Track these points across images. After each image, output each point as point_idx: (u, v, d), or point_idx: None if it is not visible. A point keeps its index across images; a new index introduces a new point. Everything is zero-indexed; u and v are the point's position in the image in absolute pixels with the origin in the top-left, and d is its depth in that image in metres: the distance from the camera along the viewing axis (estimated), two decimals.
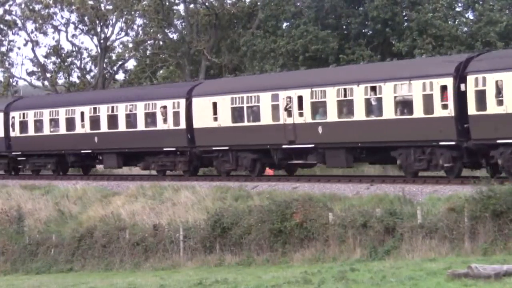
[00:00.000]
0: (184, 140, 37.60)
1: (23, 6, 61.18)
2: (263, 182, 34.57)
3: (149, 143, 38.92)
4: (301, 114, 33.18)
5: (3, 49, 63.51)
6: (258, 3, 55.05)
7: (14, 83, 65.22)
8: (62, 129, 43.43)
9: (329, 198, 29.11)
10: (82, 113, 42.23)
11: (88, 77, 63.34)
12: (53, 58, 63.07)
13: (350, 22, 48.63)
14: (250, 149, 35.50)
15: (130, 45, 61.71)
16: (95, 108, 41.82)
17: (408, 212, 24.94)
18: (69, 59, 63.12)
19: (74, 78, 63.69)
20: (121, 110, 40.54)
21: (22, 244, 33.69)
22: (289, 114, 33.56)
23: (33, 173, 45.85)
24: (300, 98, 33.18)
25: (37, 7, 60.87)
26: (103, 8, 60.27)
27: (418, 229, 23.64)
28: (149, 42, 61.87)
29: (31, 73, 63.87)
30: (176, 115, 37.91)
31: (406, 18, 47.35)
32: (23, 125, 45.54)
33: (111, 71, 63.61)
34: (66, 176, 44.61)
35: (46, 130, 44.31)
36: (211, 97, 36.63)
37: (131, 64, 65.07)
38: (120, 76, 65.62)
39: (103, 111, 41.36)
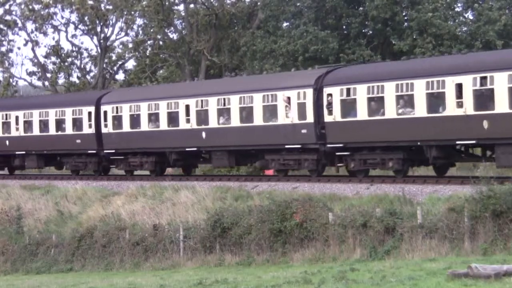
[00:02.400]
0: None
1: (23, 6, 61.19)
2: (263, 182, 34.59)
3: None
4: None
5: (3, 49, 63.55)
6: (258, 3, 55.06)
7: (14, 83, 65.24)
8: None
9: (329, 198, 29.14)
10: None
11: (88, 77, 63.34)
12: (53, 58, 63.09)
13: (350, 22, 48.64)
14: None
15: (130, 45, 61.72)
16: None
17: (408, 212, 24.95)
18: (69, 59, 63.13)
19: (74, 78, 63.77)
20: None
21: (22, 244, 33.69)
22: None
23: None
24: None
25: (37, 7, 60.86)
26: (103, 8, 60.27)
27: (418, 229, 23.65)
28: (149, 42, 61.86)
29: (31, 73, 63.90)
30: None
31: (406, 17, 47.36)
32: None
33: (111, 71, 63.64)
34: (66, 176, 44.63)
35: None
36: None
37: (131, 64, 65.13)
38: (120, 76, 65.70)
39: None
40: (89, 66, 63.80)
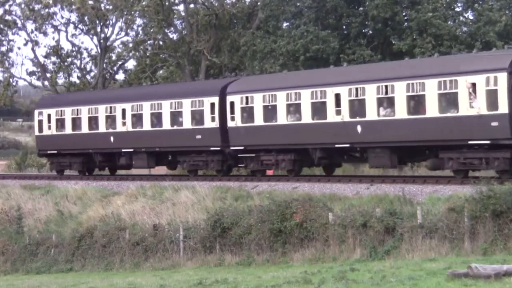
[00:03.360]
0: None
1: (23, 6, 61.19)
2: (263, 182, 34.60)
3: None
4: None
5: (3, 49, 63.54)
6: (258, 3, 55.07)
7: (14, 83, 65.23)
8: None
9: (329, 198, 29.15)
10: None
11: (88, 77, 63.34)
12: (53, 58, 63.08)
13: (350, 22, 48.66)
14: None
15: (130, 45, 61.72)
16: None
17: (408, 212, 24.95)
18: (69, 59, 63.13)
19: (74, 78, 63.78)
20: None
21: (22, 244, 33.69)
22: None
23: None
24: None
25: (37, 7, 60.86)
26: (103, 8, 60.28)
27: (418, 229, 23.65)
28: (149, 42, 61.88)
29: (31, 73, 63.89)
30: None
31: (406, 17, 47.37)
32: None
33: (111, 71, 63.64)
34: (66, 176, 44.62)
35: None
36: None
37: (131, 64, 65.16)
38: (120, 76, 65.70)
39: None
40: (89, 66, 63.85)
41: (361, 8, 48.96)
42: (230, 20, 58.02)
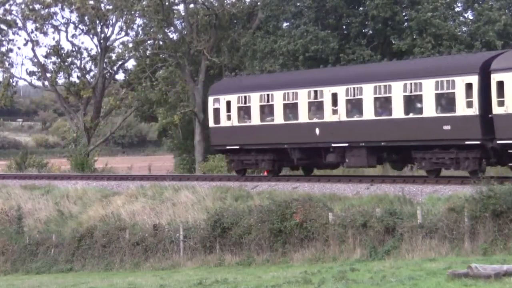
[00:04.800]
0: None
1: (23, 6, 61.18)
2: (263, 182, 34.61)
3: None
4: None
5: (3, 49, 63.52)
6: (258, 3, 55.06)
7: (14, 83, 65.21)
8: None
9: (329, 198, 29.17)
10: None
11: (88, 77, 63.33)
12: (53, 58, 63.04)
13: (350, 22, 48.65)
14: None
15: (130, 45, 61.70)
16: None
17: (408, 212, 24.97)
18: (69, 59, 63.09)
19: (74, 78, 63.74)
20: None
21: (22, 244, 33.71)
22: None
23: None
24: None
25: (37, 6, 60.86)
26: (103, 8, 60.28)
27: (418, 229, 23.67)
28: (149, 42, 61.85)
29: (31, 73, 63.85)
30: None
31: (406, 17, 47.37)
32: None
33: (111, 71, 63.60)
34: (66, 176, 44.59)
35: None
36: None
37: (131, 64, 65.14)
38: (120, 76, 65.71)
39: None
40: (89, 66, 63.81)
41: (361, 8, 48.96)
42: (230, 20, 57.98)
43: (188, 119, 58.48)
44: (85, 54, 63.17)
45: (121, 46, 62.71)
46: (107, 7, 60.35)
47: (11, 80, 63.74)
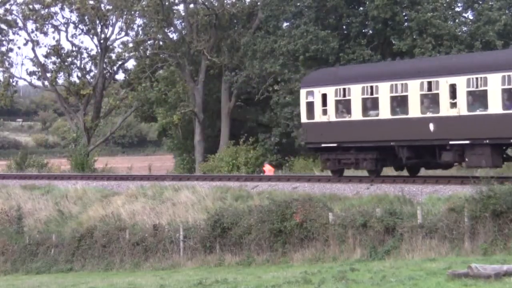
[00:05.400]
0: None
1: (23, 6, 61.20)
2: (263, 182, 34.60)
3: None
4: None
5: (3, 49, 63.57)
6: (258, 3, 55.07)
7: (14, 83, 65.26)
8: None
9: (329, 198, 29.16)
10: None
11: (88, 77, 63.36)
12: (53, 58, 63.09)
13: (350, 22, 48.66)
14: None
15: (130, 45, 61.74)
16: None
17: (408, 212, 24.95)
18: (69, 59, 63.14)
19: (74, 78, 63.79)
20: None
21: (22, 244, 33.68)
22: None
23: None
24: None
25: (37, 6, 60.89)
26: (103, 8, 60.31)
27: (418, 229, 23.66)
28: (149, 42, 61.89)
29: (31, 73, 63.90)
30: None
31: (406, 17, 47.38)
32: None
33: (111, 71, 63.65)
34: (66, 176, 44.59)
35: None
36: None
37: (131, 64, 65.18)
38: (120, 76, 65.74)
39: None
40: (89, 66, 63.85)
41: (361, 8, 48.98)
42: (230, 20, 58.02)
43: (188, 119, 58.50)
44: (85, 54, 63.32)
45: (121, 46, 62.85)
46: (107, 7, 60.40)
47: (11, 80, 63.81)
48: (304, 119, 34.43)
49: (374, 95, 31.82)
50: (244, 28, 56.58)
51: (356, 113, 32.32)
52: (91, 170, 52.87)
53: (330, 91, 33.20)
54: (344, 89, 32.81)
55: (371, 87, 31.92)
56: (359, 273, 20.14)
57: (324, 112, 33.31)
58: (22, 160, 61.91)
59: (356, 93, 32.34)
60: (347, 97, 32.72)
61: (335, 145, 33.09)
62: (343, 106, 33.02)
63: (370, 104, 32.14)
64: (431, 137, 30.19)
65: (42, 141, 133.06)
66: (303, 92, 34.73)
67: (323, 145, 33.59)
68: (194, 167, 56.57)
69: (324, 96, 33.35)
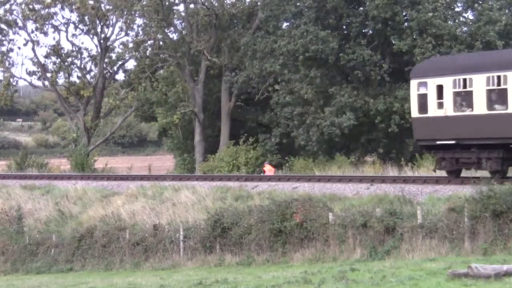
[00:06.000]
0: None
1: (23, 6, 61.22)
2: (263, 182, 34.60)
3: None
4: None
5: (4, 49, 63.59)
6: (258, 3, 55.07)
7: (14, 83, 65.27)
8: None
9: (329, 198, 29.18)
10: None
11: (88, 77, 63.38)
12: (53, 58, 63.12)
13: (351, 22, 48.64)
14: None
15: (130, 45, 61.75)
16: None
17: (408, 212, 24.96)
18: (69, 59, 63.17)
19: (74, 78, 63.81)
20: None
21: (22, 244, 33.67)
22: None
23: None
24: None
25: (37, 6, 60.90)
26: (103, 8, 60.32)
27: (418, 229, 23.66)
28: (149, 42, 61.90)
29: (31, 73, 63.92)
30: None
31: (406, 17, 47.36)
32: None
33: (111, 71, 63.67)
34: (66, 176, 44.58)
35: None
36: None
37: (131, 64, 65.19)
38: (120, 76, 65.77)
39: None
40: (89, 66, 63.88)
41: (361, 8, 48.96)
42: (230, 20, 58.02)
43: (188, 119, 58.50)
44: (85, 54, 63.33)
45: (121, 46, 62.85)
46: (107, 7, 60.40)
47: (11, 80, 63.80)
48: (415, 113, 30.84)
49: (502, 86, 27.94)
50: (244, 28, 56.57)
51: (480, 107, 28.57)
52: (91, 170, 52.87)
53: (447, 81, 29.60)
54: (464, 80, 29.16)
55: (498, 77, 28.10)
56: (359, 273, 20.14)
57: (440, 105, 29.71)
58: (22, 160, 61.89)
59: (479, 84, 28.61)
60: (468, 89, 29.07)
61: (453, 142, 29.53)
62: (463, 98, 29.44)
63: (496, 96, 28.44)
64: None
65: (42, 141, 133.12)
66: (413, 83, 30.96)
67: (438, 142, 30.02)
68: (194, 167, 56.57)
69: (439, 88, 29.79)
